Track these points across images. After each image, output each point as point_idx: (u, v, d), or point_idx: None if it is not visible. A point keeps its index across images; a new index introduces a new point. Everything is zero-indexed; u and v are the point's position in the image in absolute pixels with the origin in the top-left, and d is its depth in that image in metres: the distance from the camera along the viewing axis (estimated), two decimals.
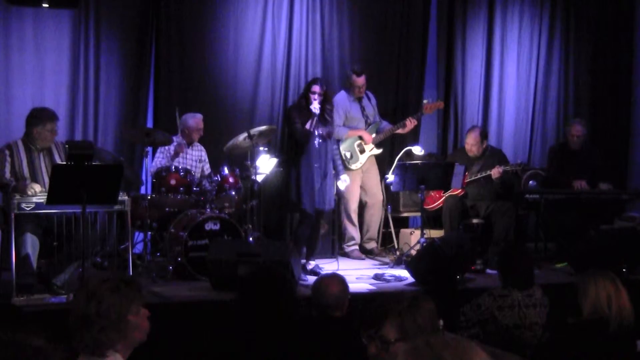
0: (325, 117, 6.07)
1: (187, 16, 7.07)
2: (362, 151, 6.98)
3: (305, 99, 6.07)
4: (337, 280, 3.70)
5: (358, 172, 7.01)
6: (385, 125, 7.16)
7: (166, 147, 6.45)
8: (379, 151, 7.08)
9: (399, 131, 7.09)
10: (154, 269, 5.73)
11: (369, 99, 7.13)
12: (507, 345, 3.94)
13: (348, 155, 6.94)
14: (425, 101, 7.25)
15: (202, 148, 6.73)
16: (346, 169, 6.92)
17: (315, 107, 5.92)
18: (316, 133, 5.97)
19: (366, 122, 7.04)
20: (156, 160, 6.44)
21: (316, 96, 5.98)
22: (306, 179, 5.97)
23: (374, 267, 6.52)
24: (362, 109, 7.05)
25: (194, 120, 6.60)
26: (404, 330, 2.29)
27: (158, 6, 6.95)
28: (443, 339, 1.82)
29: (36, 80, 6.58)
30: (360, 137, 6.97)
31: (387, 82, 7.77)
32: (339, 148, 6.82)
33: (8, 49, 6.49)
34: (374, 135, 7.02)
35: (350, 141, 6.97)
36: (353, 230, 7.08)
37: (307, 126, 5.95)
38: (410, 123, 7.02)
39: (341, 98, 6.99)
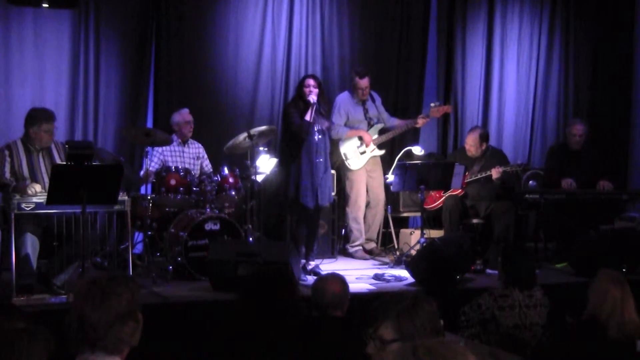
0: (322, 109, 6.09)
1: (187, 16, 7.07)
2: (363, 152, 6.97)
3: (299, 94, 6.13)
4: (338, 279, 3.71)
5: (363, 173, 7.00)
6: (394, 122, 7.14)
7: (159, 150, 6.45)
8: (381, 152, 7.06)
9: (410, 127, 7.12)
10: (154, 269, 5.72)
11: (373, 100, 7.06)
12: (507, 345, 3.95)
13: (348, 155, 6.94)
14: (432, 104, 7.23)
15: (199, 145, 6.72)
16: (346, 169, 6.95)
17: (312, 97, 5.97)
18: (316, 128, 5.99)
19: (369, 123, 7.02)
20: (151, 163, 6.43)
21: (311, 88, 6.04)
22: (307, 174, 5.98)
23: (374, 267, 6.51)
24: (365, 111, 7.02)
25: (179, 115, 6.60)
26: (400, 331, 2.28)
27: (158, 6, 6.94)
28: (431, 343, 1.81)
29: (36, 80, 6.57)
30: (360, 138, 6.96)
31: (387, 82, 7.76)
32: (338, 148, 6.83)
33: (8, 49, 6.47)
34: (375, 136, 7.02)
35: (350, 142, 6.96)
36: (358, 231, 7.07)
37: (307, 117, 5.97)
38: (421, 121, 7.05)
39: (343, 98, 7.00)
